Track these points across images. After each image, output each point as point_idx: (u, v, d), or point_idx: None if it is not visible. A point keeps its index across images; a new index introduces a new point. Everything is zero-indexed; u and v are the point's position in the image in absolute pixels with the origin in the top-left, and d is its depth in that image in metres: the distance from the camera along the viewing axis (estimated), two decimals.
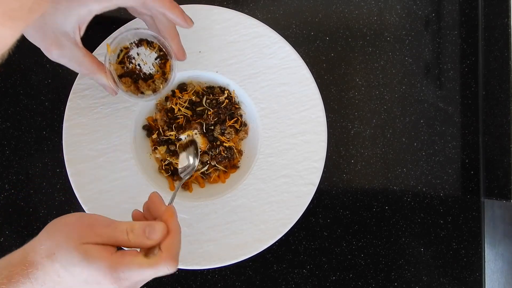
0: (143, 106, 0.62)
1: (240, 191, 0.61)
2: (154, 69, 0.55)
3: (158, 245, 0.43)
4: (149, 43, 0.55)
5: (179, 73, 0.62)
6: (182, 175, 0.58)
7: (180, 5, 0.61)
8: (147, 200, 0.49)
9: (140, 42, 0.55)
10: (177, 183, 0.62)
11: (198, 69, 0.62)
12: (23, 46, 0.64)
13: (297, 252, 0.65)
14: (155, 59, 0.55)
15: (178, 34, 0.54)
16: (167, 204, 0.48)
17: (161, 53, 0.55)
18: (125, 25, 0.59)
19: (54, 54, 0.47)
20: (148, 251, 0.43)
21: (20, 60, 0.65)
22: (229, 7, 0.62)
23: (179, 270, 0.64)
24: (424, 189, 0.67)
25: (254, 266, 0.65)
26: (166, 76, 0.55)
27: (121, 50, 0.54)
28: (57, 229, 0.42)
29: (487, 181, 0.67)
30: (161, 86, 0.55)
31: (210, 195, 0.62)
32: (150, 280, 0.64)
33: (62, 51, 0.47)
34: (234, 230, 0.60)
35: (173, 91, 0.64)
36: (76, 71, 0.51)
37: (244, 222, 0.60)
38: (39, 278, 0.41)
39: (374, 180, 0.66)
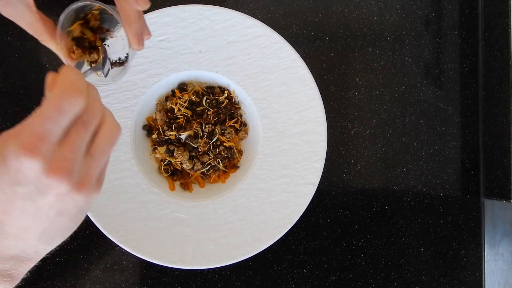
0: (143, 106, 0.62)
1: (240, 191, 0.61)
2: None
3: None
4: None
5: (179, 73, 0.62)
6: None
7: (180, 5, 0.61)
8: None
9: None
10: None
11: (198, 69, 0.62)
12: (23, 46, 0.65)
13: (297, 252, 0.65)
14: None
15: (138, 19, 0.46)
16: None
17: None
18: None
19: (3, 12, 0.44)
20: None
21: (20, 60, 0.65)
22: (229, 7, 0.62)
23: (179, 270, 0.64)
24: (424, 189, 0.67)
25: (254, 266, 0.65)
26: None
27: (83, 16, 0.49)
28: None
29: (487, 181, 0.67)
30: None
31: (210, 195, 0.62)
32: (150, 280, 0.64)
33: (11, 10, 0.43)
34: (234, 230, 0.60)
35: (173, 91, 0.64)
36: (29, 32, 0.46)
37: (244, 222, 0.60)
38: None
39: (374, 180, 0.66)
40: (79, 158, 0.34)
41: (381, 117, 0.67)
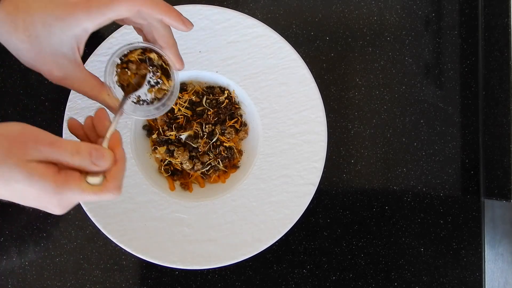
0: None
1: (240, 191, 0.61)
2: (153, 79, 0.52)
3: (102, 172, 0.42)
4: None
5: (179, 73, 0.62)
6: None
7: (180, 5, 0.61)
8: (92, 115, 0.47)
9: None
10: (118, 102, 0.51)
11: (198, 69, 0.62)
12: None
13: (297, 252, 0.65)
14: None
15: (176, 42, 0.51)
16: (111, 125, 0.46)
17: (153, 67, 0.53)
18: (120, 46, 0.53)
19: (56, 77, 0.46)
20: (91, 174, 0.42)
21: None
22: (229, 7, 0.62)
23: (179, 270, 0.64)
24: (424, 189, 0.67)
25: (254, 266, 0.65)
26: (165, 88, 0.52)
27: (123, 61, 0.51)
28: None
29: (487, 181, 0.67)
30: (166, 93, 0.52)
31: (210, 195, 0.62)
32: (150, 280, 0.64)
33: (64, 74, 0.46)
34: (234, 230, 0.60)
35: None
36: (79, 92, 0.49)
37: (244, 222, 0.60)
38: None
39: (374, 180, 0.66)
40: None
41: (381, 117, 0.67)
